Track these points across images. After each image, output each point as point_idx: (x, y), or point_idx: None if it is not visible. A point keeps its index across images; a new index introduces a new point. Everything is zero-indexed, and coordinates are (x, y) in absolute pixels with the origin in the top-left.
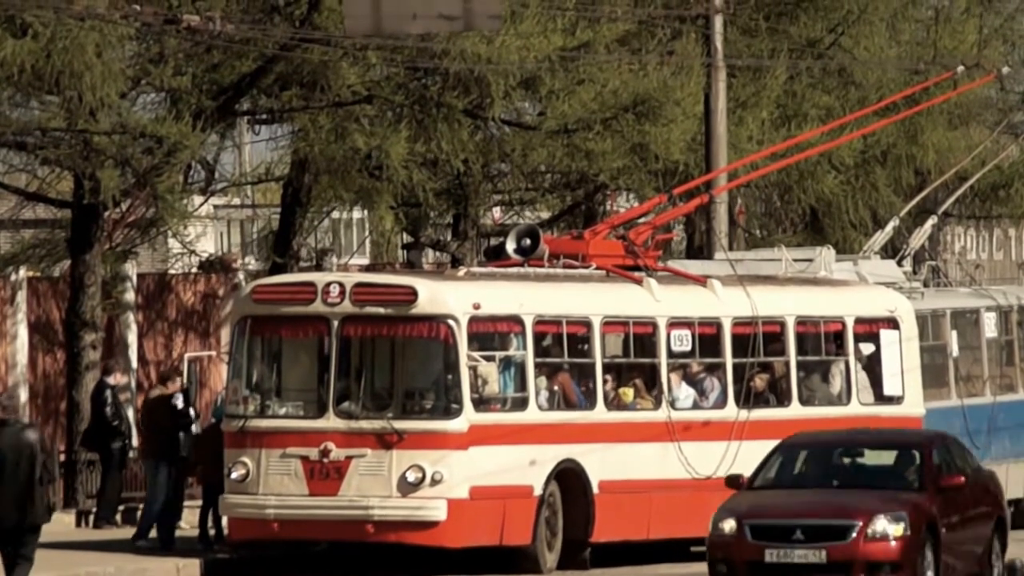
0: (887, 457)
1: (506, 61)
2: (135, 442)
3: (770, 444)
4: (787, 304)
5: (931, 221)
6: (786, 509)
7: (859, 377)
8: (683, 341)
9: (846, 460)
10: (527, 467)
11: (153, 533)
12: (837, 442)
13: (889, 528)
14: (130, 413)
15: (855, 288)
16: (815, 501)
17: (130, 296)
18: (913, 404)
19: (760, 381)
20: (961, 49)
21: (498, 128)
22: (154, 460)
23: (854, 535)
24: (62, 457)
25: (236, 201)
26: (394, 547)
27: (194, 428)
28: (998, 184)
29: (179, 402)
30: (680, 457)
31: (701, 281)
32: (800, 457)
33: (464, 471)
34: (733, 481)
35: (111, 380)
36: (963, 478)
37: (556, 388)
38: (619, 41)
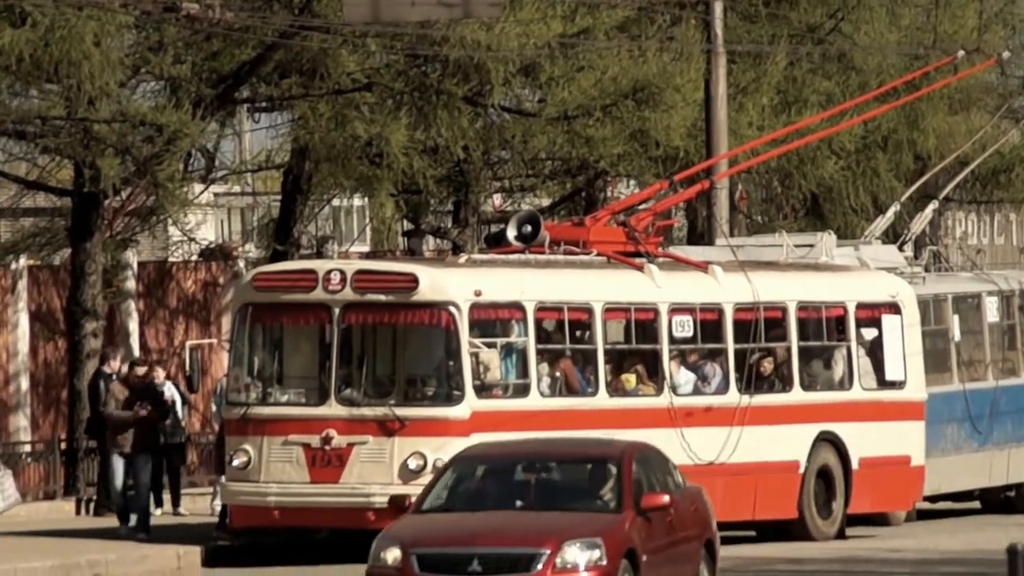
0: (579, 472)
1: (506, 48)
2: None
3: (772, 429)
4: (788, 289)
5: (932, 206)
6: (461, 535)
7: (861, 362)
8: (685, 327)
9: (532, 476)
10: None
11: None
12: (520, 455)
13: (581, 557)
14: None
15: (856, 273)
16: (495, 526)
17: (131, 284)
18: (915, 389)
19: (768, 365)
20: (961, 34)
21: (498, 115)
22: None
23: (540, 566)
24: (63, 445)
25: (236, 189)
26: None
27: (180, 412)
28: (999, 169)
29: (166, 390)
30: (682, 443)
31: (702, 267)
32: (478, 472)
33: None
34: (398, 502)
35: (106, 368)
36: (668, 497)
37: (558, 374)
38: (619, 27)
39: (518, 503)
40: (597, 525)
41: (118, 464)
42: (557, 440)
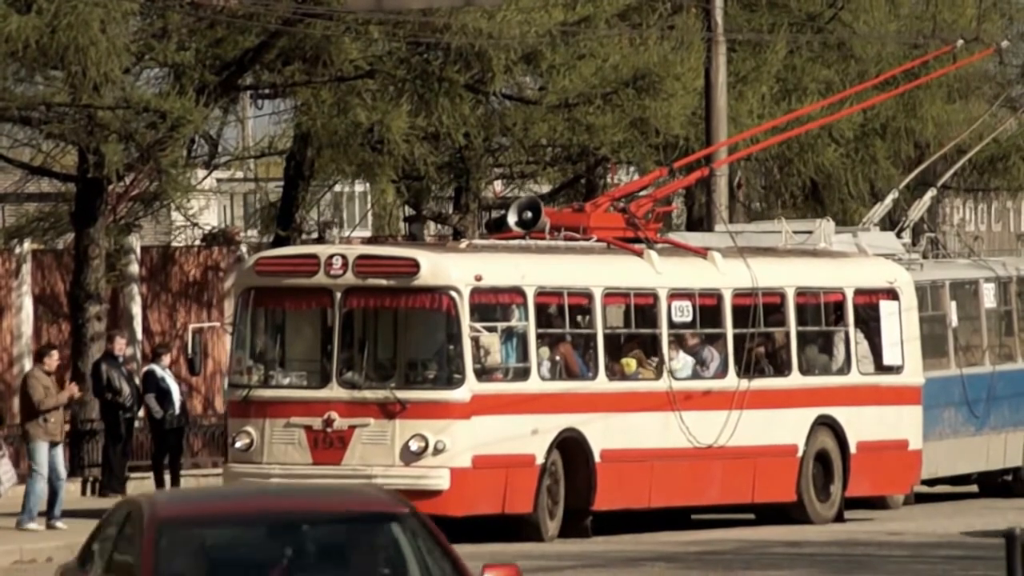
0: (372, 538)
1: (507, 36)
2: (142, 412)
3: (770, 413)
4: (787, 275)
5: (930, 193)
6: None
7: (859, 347)
8: (684, 312)
9: (293, 545)
10: (529, 436)
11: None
12: (271, 512)
13: None
14: (137, 382)
15: (855, 260)
16: None
17: (134, 268)
18: (913, 373)
19: (760, 353)
20: (960, 23)
21: (499, 102)
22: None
23: None
24: (67, 427)
25: (239, 175)
26: None
27: (177, 398)
28: (996, 157)
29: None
30: (681, 426)
31: (702, 253)
32: (217, 542)
33: (467, 440)
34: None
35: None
36: (515, 568)
37: (558, 358)
38: (620, 15)
39: None
40: None
41: (43, 453)
42: (307, 492)
